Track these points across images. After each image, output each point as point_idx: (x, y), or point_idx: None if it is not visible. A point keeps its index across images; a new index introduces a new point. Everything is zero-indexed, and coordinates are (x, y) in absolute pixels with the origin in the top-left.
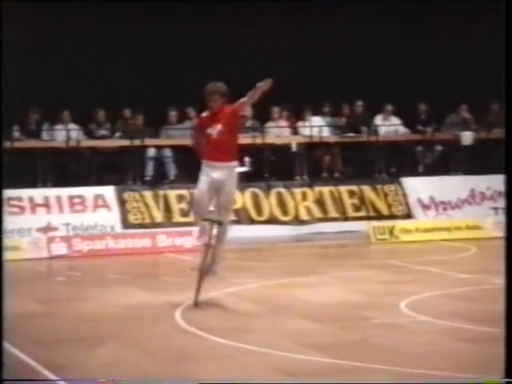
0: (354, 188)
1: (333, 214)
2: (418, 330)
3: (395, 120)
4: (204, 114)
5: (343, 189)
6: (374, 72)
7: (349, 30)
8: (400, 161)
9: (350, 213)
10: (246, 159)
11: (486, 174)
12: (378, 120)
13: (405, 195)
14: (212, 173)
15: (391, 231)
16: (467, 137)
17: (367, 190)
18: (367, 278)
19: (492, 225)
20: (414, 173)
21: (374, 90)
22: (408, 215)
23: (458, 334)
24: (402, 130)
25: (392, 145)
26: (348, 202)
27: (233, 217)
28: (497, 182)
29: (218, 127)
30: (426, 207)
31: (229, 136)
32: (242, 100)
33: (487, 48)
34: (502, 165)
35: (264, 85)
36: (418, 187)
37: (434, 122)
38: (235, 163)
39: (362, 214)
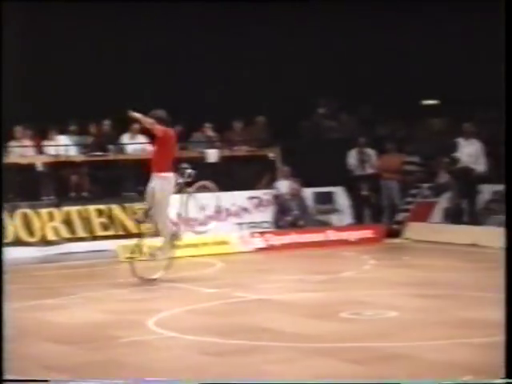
0: (103, 207)
1: (81, 233)
2: (166, 345)
3: (142, 138)
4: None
5: (91, 208)
6: (118, 91)
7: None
8: (146, 179)
9: (99, 232)
10: None
11: (230, 190)
12: (125, 138)
13: None
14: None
15: (140, 249)
16: (212, 154)
17: (116, 209)
18: (116, 297)
19: (237, 240)
20: None
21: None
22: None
23: (205, 348)
24: (149, 148)
25: (140, 163)
26: (96, 221)
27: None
28: (241, 198)
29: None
30: (173, 224)
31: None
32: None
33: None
34: (247, 181)
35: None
36: None
37: (180, 141)
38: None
39: (111, 232)
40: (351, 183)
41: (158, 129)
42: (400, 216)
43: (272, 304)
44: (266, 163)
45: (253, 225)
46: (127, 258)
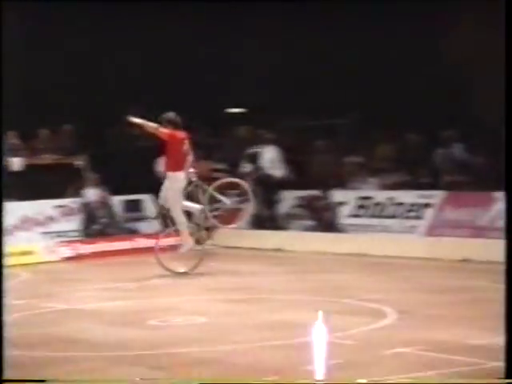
0: None
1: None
2: None
3: None
4: None
5: None
6: None
7: None
8: None
9: None
10: None
11: (36, 199)
12: None
13: None
14: None
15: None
16: (16, 163)
17: None
18: None
19: (43, 249)
20: None
21: None
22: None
23: (12, 361)
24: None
25: None
26: None
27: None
28: (47, 206)
29: None
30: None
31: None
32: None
33: None
34: (53, 189)
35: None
36: None
37: None
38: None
39: None
40: (159, 190)
41: (163, 132)
42: (208, 222)
43: (81, 313)
44: (73, 171)
45: (60, 234)
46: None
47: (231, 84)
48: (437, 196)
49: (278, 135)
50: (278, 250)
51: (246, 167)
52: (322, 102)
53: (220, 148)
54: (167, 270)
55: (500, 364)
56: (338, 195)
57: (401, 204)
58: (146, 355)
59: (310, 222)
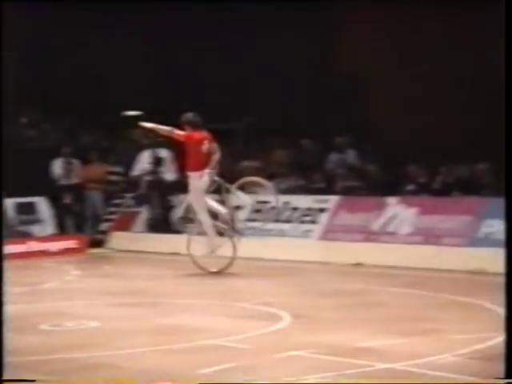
0: None
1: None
2: None
3: None
4: None
5: None
6: None
7: None
8: None
9: None
10: None
11: None
12: None
13: None
14: None
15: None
16: None
17: None
18: None
19: None
20: None
21: None
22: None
23: None
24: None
25: None
26: None
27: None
28: None
29: None
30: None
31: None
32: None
33: None
34: None
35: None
36: None
37: None
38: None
39: None
40: (54, 193)
41: (179, 134)
42: (103, 226)
43: None
44: None
45: None
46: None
47: (127, 86)
48: (331, 201)
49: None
50: (175, 253)
51: (139, 170)
52: (218, 105)
53: (115, 151)
54: (200, 268)
55: (389, 366)
56: (233, 199)
57: (296, 208)
58: (38, 361)
59: None
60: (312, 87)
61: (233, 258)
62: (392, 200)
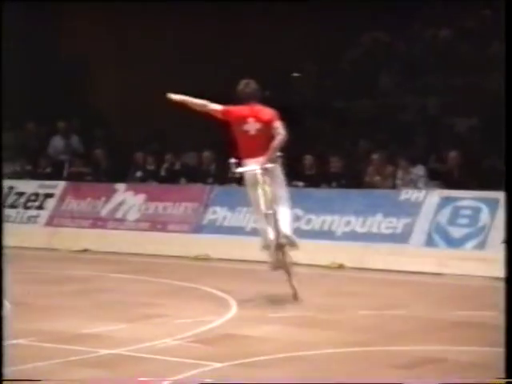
0: None
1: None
2: None
3: None
4: None
5: None
6: None
7: None
8: None
9: None
10: None
11: None
12: None
13: None
14: None
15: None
16: None
17: None
18: None
19: None
20: None
21: None
22: None
23: None
24: None
25: None
26: None
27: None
28: None
29: None
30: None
31: None
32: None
33: None
34: None
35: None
36: None
37: None
38: None
39: None
40: None
41: (215, 109)
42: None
43: None
44: None
45: None
46: None
47: None
48: (59, 186)
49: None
50: None
51: None
52: None
53: None
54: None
55: (113, 351)
56: None
57: (21, 194)
58: None
59: None
60: (37, 71)
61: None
62: (120, 186)
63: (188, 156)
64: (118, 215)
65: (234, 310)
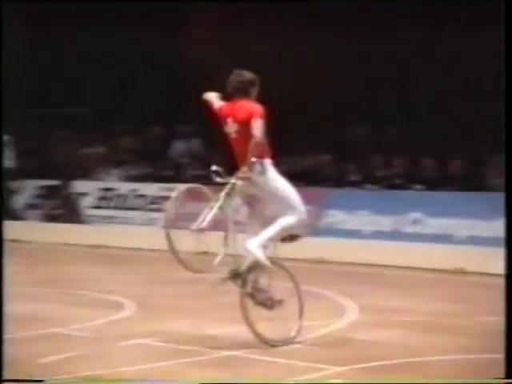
0: None
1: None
2: None
3: None
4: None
5: None
6: None
7: None
8: None
9: None
10: None
11: None
12: None
13: None
14: None
15: None
16: None
17: None
18: None
19: None
20: None
21: None
22: None
23: None
24: None
25: None
26: None
27: None
28: None
29: None
30: None
31: None
32: None
33: None
34: None
35: None
36: None
37: None
38: None
39: None
40: None
41: (215, 106)
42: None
43: None
44: None
45: None
46: None
47: None
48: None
49: (15, 124)
50: (17, 240)
51: None
52: (63, 90)
53: None
54: None
55: (231, 353)
56: (79, 186)
57: (143, 196)
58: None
59: (50, 212)
60: (159, 76)
61: None
62: None
63: (306, 158)
64: (237, 217)
65: (352, 313)
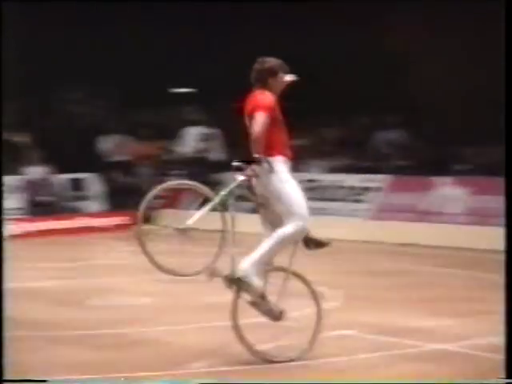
0: None
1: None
2: None
3: None
4: (269, 93)
5: None
6: None
7: None
8: None
9: None
10: None
11: None
12: None
13: None
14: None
15: None
16: None
17: None
18: None
19: None
20: None
21: None
22: None
23: None
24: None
25: None
26: None
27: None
28: None
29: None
30: None
31: None
32: None
33: None
34: None
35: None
36: None
37: None
38: None
39: None
40: (105, 169)
41: None
42: (153, 203)
43: (22, 292)
44: (16, 148)
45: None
46: None
47: (179, 63)
48: (380, 180)
49: (225, 117)
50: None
51: (188, 147)
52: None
53: (166, 128)
54: None
55: (438, 346)
56: None
57: (344, 187)
58: (85, 335)
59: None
60: (363, 66)
61: None
62: (443, 180)
63: None
64: (438, 209)
65: None
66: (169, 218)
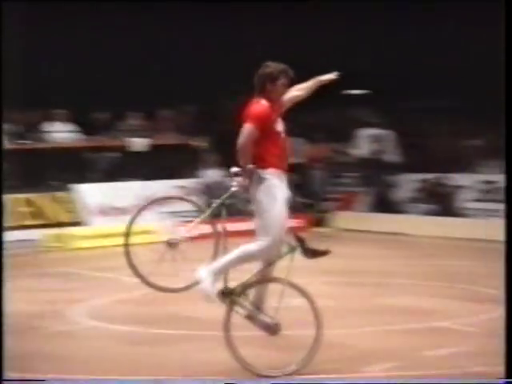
0: (26, 196)
1: (4, 222)
2: (90, 335)
3: (65, 126)
4: (264, 103)
5: (15, 197)
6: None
7: None
8: (72, 167)
9: (22, 221)
10: None
11: (158, 179)
12: (48, 126)
13: (77, 202)
14: (283, 186)
15: (63, 239)
16: (139, 143)
17: (39, 198)
18: (39, 287)
19: (163, 229)
20: (86, 179)
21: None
22: (80, 222)
23: (129, 338)
24: (74, 136)
25: (63, 152)
26: (19, 210)
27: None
28: (166, 186)
29: (281, 124)
30: (100, 213)
31: None
32: (297, 92)
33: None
34: (173, 170)
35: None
36: (91, 193)
37: (107, 129)
38: None
39: (34, 222)
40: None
41: None
42: (326, 205)
43: (192, 293)
44: (194, 152)
45: (180, 214)
46: (50, 247)
47: (350, 65)
48: None
49: (398, 118)
50: (397, 233)
51: (363, 150)
52: (441, 84)
53: (340, 130)
54: None
55: None
56: (459, 179)
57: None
58: (257, 336)
59: (430, 206)
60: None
61: None
62: None
63: None
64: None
65: None
66: (344, 220)
